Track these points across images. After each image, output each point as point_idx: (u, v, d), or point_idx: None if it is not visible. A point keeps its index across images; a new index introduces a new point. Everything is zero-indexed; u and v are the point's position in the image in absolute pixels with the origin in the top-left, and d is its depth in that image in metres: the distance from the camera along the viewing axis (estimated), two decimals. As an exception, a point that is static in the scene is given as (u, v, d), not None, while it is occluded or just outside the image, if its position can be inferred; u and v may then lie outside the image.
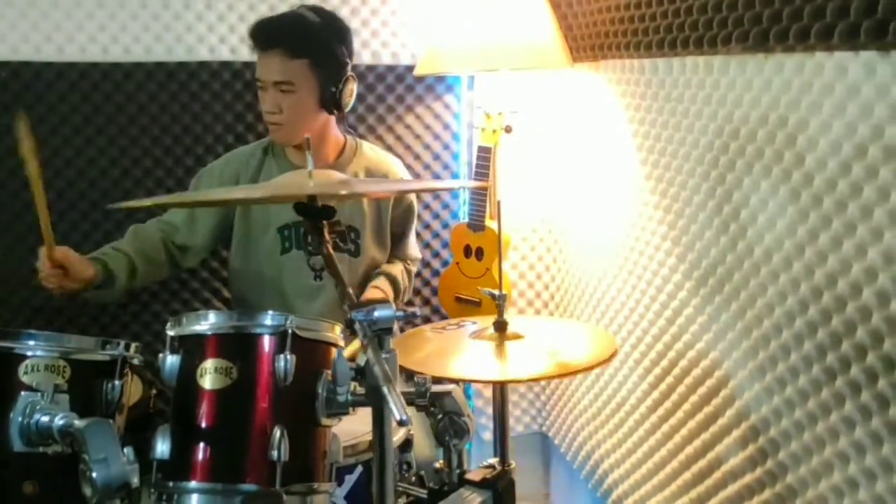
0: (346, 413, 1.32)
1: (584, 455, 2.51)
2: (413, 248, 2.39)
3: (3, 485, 1.19)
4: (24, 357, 1.22)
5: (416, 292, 2.72)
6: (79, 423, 1.06)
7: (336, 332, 1.42)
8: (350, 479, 1.62)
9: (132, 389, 1.55)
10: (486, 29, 2.25)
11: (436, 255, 2.73)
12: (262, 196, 1.55)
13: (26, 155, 1.58)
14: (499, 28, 2.25)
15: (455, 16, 2.31)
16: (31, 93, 2.38)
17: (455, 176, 2.68)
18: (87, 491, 1.01)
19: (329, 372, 1.32)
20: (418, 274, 2.72)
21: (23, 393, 1.20)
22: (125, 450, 1.05)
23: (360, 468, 1.62)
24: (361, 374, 1.12)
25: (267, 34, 2.03)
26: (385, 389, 0.89)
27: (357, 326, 0.98)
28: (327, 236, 1.11)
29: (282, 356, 1.28)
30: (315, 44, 2.03)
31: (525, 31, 2.27)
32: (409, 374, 1.50)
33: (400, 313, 1.02)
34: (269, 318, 1.33)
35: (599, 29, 2.22)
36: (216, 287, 2.59)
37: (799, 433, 1.50)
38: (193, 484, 1.28)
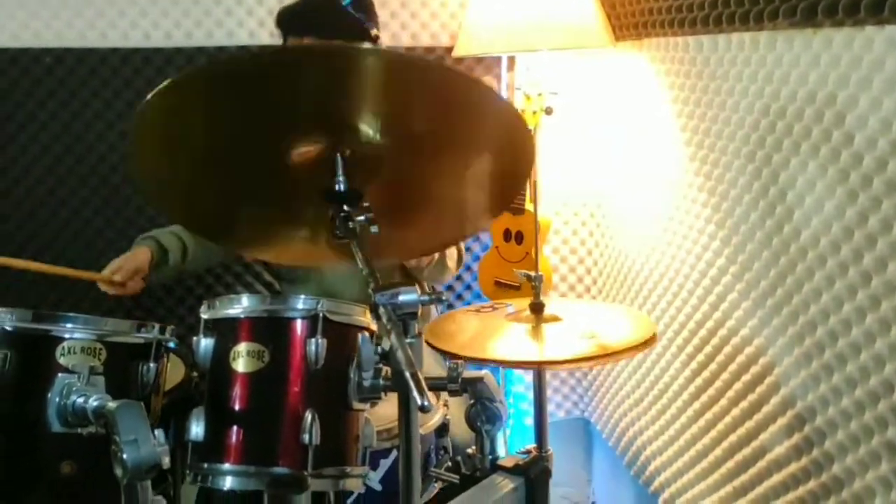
0: (379, 398, 1.31)
1: (627, 442, 2.47)
2: None
3: (41, 464, 1.21)
4: (62, 339, 1.23)
5: (458, 276, 2.71)
6: (110, 404, 1.07)
7: (368, 316, 1.41)
8: (385, 464, 1.62)
9: (173, 372, 1.57)
10: (525, 8, 2.21)
11: (476, 238, 2.70)
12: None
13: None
14: (538, 7, 2.21)
15: (494, -4, 2.27)
16: (74, 78, 2.41)
17: (495, 159, 2.65)
18: (119, 471, 1.01)
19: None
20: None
21: (60, 375, 1.21)
22: (156, 431, 1.05)
23: (395, 452, 1.62)
24: (387, 358, 1.10)
25: (294, 19, 2.01)
26: (407, 374, 0.88)
27: (381, 311, 0.97)
28: (354, 222, 1.10)
29: (313, 340, 1.28)
30: (345, 24, 2.01)
31: (566, 10, 2.22)
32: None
33: (425, 297, 1.01)
34: (300, 302, 1.32)
35: (643, 6, 2.17)
36: (258, 271, 2.60)
37: (846, 422, 1.45)
38: (227, 466, 1.29)
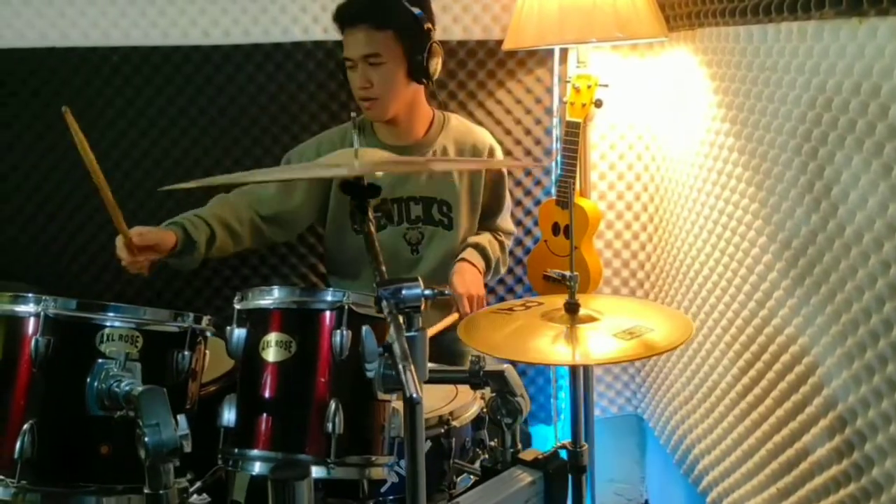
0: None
1: (677, 440, 2.44)
2: (506, 221, 2.39)
3: (82, 445, 1.28)
4: (102, 327, 1.30)
5: (509, 270, 2.71)
6: (136, 389, 1.13)
7: (397, 309, 1.44)
8: (419, 454, 1.64)
9: (224, 360, 1.62)
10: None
11: (528, 232, 2.70)
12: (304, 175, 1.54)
13: (81, 148, 1.60)
14: (590, -1, 2.19)
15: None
16: (140, 76, 2.51)
17: (548, 151, 2.64)
18: (142, 453, 1.06)
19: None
20: (510, 251, 2.70)
21: (99, 360, 1.28)
22: (178, 417, 1.10)
23: (428, 443, 1.64)
24: (389, 350, 1.13)
25: (350, 11, 2.07)
26: (400, 367, 0.90)
27: (384, 304, 0.99)
28: (371, 215, 1.12)
29: (338, 331, 1.31)
30: (398, 14, 2.04)
31: (617, 1, 2.19)
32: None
33: (428, 292, 1.02)
34: (328, 295, 1.36)
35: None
36: (313, 262, 2.66)
37: (886, 425, 1.40)
38: (256, 452, 1.34)
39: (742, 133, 1.93)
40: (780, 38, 1.73)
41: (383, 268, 1.06)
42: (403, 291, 1.00)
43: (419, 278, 1.03)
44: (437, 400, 1.71)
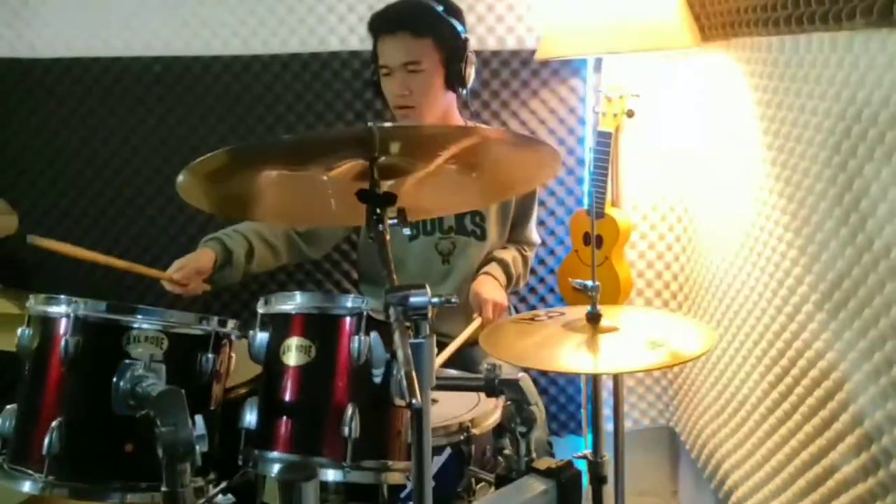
0: (420, 395, 1.35)
1: (707, 454, 2.40)
2: (533, 232, 2.39)
3: (107, 443, 1.31)
4: (129, 329, 1.34)
5: (541, 280, 2.71)
6: (155, 390, 1.16)
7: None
8: (438, 461, 1.65)
9: (251, 364, 1.65)
10: (607, 10, 2.19)
11: (560, 242, 2.70)
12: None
13: (76, 255, 1.74)
14: (621, 8, 2.18)
15: (577, -3, 2.26)
16: (181, 85, 2.58)
17: (581, 161, 2.64)
18: (159, 452, 1.09)
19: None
20: (541, 261, 2.71)
21: (125, 361, 1.32)
22: (196, 418, 1.13)
23: (448, 450, 1.65)
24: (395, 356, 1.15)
25: (390, 18, 2.09)
26: (402, 373, 0.91)
27: (391, 310, 1.01)
28: (386, 224, 1.14)
29: (357, 337, 1.33)
30: (436, 23, 2.07)
31: (649, 11, 2.19)
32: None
33: (435, 300, 1.04)
34: (349, 301, 1.38)
35: (731, 5, 2.11)
36: (346, 269, 2.69)
37: (911, 444, 1.37)
38: (275, 454, 1.36)
39: (773, 144, 1.90)
40: (811, 48, 1.71)
41: (394, 275, 1.08)
42: (411, 298, 1.01)
43: (426, 286, 1.04)
44: (459, 407, 1.72)
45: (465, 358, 2.00)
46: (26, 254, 2.53)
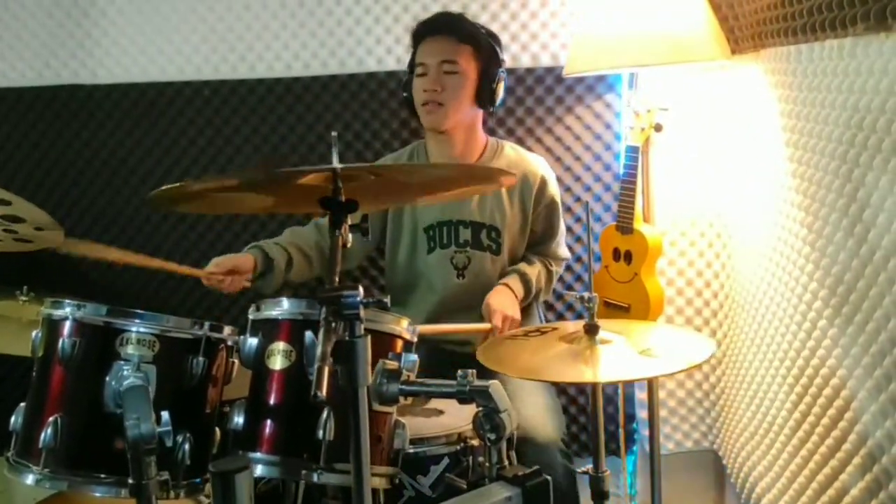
0: (397, 402, 1.38)
1: (744, 476, 2.32)
2: (560, 247, 2.37)
3: (99, 440, 1.39)
4: (122, 331, 1.41)
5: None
6: (123, 386, 1.22)
7: (402, 325, 1.49)
8: (436, 470, 1.67)
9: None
10: (633, 24, 2.17)
11: (598, 258, 2.66)
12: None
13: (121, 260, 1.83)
14: (648, 22, 2.16)
15: (604, 11, 2.25)
16: (227, 108, 2.70)
17: (617, 177, 2.61)
18: (125, 445, 1.15)
19: (385, 361, 1.39)
20: (578, 277, 2.69)
21: (117, 362, 1.39)
22: (162, 414, 1.18)
23: (446, 459, 1.67)
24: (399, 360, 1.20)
25: (436, 22, 2.19)
26: (316, 366, 0.94)
27: (323, 309, 1.04)
28: (344, 229, 1.18)
29: (335, 343, 1.36)
30: (479, 35, 2.16)
31: (676, 24, 2.15)
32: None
33: (368, 300, 1.06)
34: (330, 307, 1.41)
35: (761, 16, 2.06)
36: (373, 275, 2.73)
37: (906, 465, 1.30)
38: (259, 455, 1.41)
39: (794, 156, 1.85)
40: (823, 56, 1.67)
41: (336, 277, 1.11)
42: (343, 298, 1.04)
43: (360, 287, 1.07)
44: (464, 417, 1.73)
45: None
46: (69, 265, 2.71)
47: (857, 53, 1.49)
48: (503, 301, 2.09)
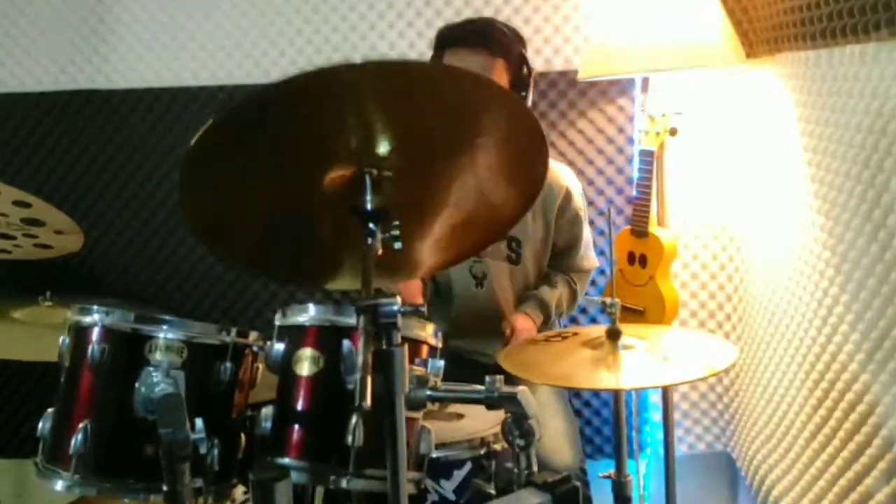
0: (424, 407, 1.39)
1: (759, 480, 2.33)
2: (585, 259, 2.31)
3: (130, 445, 1.39)
4: (151, 337, 1.42)
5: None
6: (157, 394, 1.23)
7: (428, 331, 1.49)
8: (459, 475, 1.68)
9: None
10: (648, 28, 2.18)
11: (611, 262, 2.67)
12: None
13: None
14: (662, 27, 2.17)
15: (619, 15, 2.25)
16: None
17: (630, 180, 2.62)
18: (159, 453, 1.16)
19: (412, 367, 1.40)
20: (592, 281, 2.68)
21: (147, 368, 1.40)
22: (196, 420, 1.19)
23: (469, 464, 1.67)
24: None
25: (469, 33, 2.08)
26: (357, 376, 0.95)
27: (361, 318, 1.04)
28: (377, 238, 1.18)
29: (364, 348, 1.37)
30: (511, 47, 2.07)
31: (691, 29, 2.16)
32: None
33: (406, 308, 1.07)
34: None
35: (777, 20, 2.07)
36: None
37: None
38: (287, 460, 1.41)
39: (812, 161, 1.86)
40: (843, 61, 1.68)
41: (371, 286, 1.12)
42: (380, 308, 1.05)
43: (397, 296, 1.08)
44: (485, 422, 1.73)
45: None
46: (88, 269, 2.73)
47: (881, 59, 1.50)
48: (520, 326, 2.11)
